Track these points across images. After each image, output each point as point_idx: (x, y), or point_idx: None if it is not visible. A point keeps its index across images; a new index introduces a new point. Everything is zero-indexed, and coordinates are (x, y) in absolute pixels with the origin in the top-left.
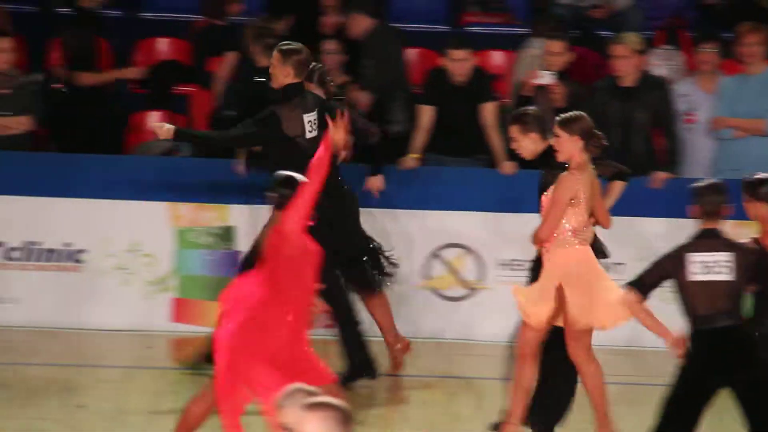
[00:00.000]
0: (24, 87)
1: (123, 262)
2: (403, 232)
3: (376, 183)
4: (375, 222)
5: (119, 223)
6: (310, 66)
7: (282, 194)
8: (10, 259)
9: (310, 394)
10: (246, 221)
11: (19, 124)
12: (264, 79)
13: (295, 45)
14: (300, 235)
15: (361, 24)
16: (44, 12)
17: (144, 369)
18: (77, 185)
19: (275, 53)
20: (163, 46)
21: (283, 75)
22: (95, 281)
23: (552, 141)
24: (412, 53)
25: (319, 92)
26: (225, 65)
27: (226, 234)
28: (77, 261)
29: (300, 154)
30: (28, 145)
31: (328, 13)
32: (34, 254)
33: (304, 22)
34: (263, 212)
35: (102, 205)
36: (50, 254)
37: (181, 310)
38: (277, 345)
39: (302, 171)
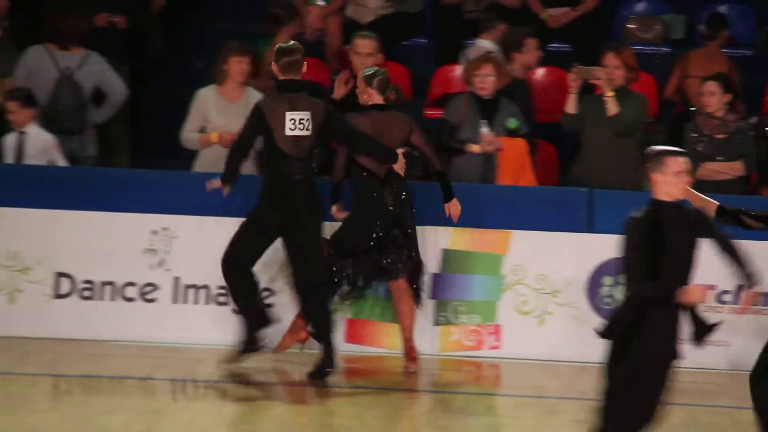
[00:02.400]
0: (739, 132)
1: None
2: None
3: (451, 208)
4: None
5: None
6: (302, 67)
7: None
8: (722, 302)
9: None
10: None
11: (732, 169)
12: None
13: (288, 46)
14: None
15: None
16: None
17: None
18: None
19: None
20: None
21: (275, 72)
22: None
23: None
24: None
25: (378, 99)
26: None
27: None
28: None
29: (274, 148)
30: (740, 189)
31: None
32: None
33: None
34: None
35: None
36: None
37: None
38: None
39: (278, 165)
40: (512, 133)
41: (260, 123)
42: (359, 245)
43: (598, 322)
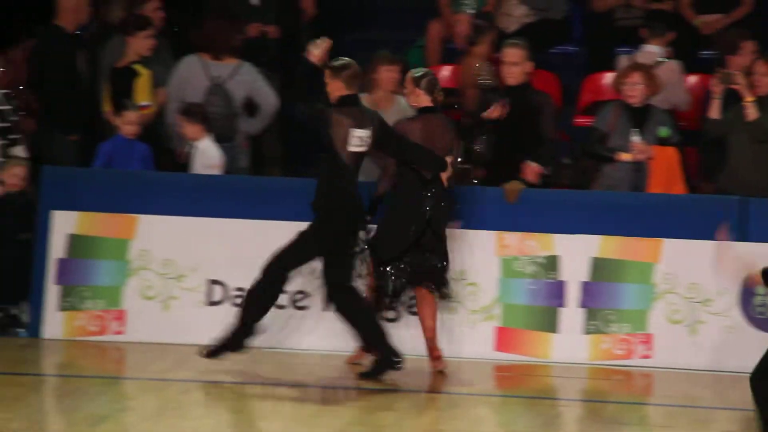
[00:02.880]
0: None
1: None
2: None
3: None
4: None
5: None
6: (359, 81)
7: None
8: None
9: None
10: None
11: None
12: None
13: (344, 60)
14: None
15: None
16: None
17: None
18: None
19: (326, 71)
20: None
21: (335, 89)
22: None
23: None
24: None
25: (425, 100)
26: None
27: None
28: None
29: (337, 161)
30: None
31: None
32: None
33: None
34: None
35: None
36: None
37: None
38: None
39: (340, 177)
40: (663, 142)
41: (323, 128)
42: (398, 248)
43: (751, 332)
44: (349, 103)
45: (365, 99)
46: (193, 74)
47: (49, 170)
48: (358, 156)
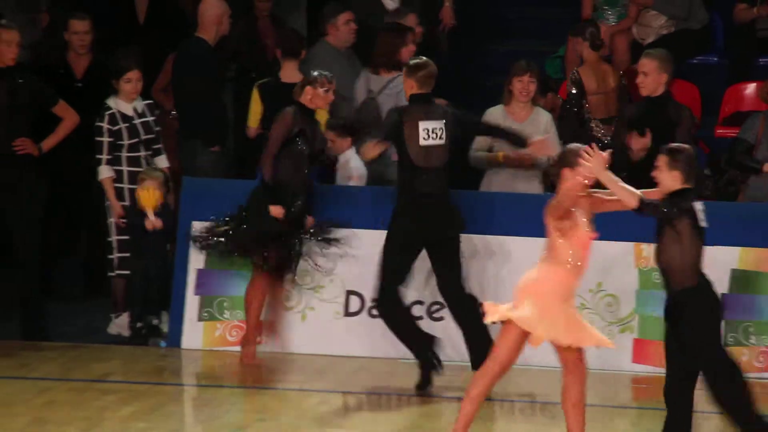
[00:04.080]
0: None
1: None
2: None
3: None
4: None
5: None
6: (434, 81)
7: None
8: None
9: None
10: None
11: None
12: None
13: (420, 60)
14: None
15: None
16: None
17: None
18: None
19: (403, 69)
20: None
21: (409, 88)
22: None
23: None
24: None
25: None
26: None
27: None
28: None
29: (407, 161)
30: None
31: None
32: None
33: None
34: None
35: None
36: None
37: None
38: None
39: (409, 179)
40: None
41: (397, 128)
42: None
43: None
44: (419, 100)
45: (503, 110)
46: (358, 87)
47: (189, 181)
48: (430, 151)
